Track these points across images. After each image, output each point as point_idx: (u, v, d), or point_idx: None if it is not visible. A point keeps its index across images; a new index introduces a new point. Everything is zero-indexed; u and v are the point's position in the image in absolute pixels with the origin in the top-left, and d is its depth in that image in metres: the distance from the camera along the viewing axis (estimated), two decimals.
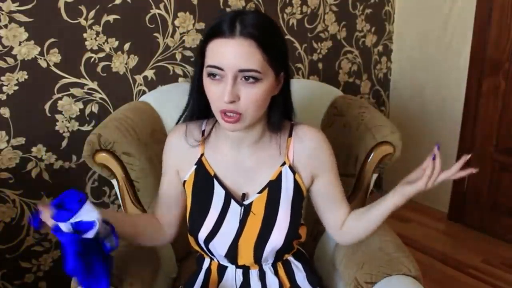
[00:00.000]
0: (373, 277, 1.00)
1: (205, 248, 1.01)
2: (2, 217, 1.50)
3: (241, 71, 0.83)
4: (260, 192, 0.99)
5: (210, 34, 0.86)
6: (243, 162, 0.99)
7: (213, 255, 1.03)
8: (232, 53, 0.83)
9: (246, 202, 0.99)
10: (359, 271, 1.03)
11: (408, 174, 0.98)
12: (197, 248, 1.05)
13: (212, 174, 1.00)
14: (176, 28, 1.69)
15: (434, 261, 2.07)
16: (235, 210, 0.98)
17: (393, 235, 1.14)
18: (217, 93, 0.86)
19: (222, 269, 1.05)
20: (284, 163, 0.99)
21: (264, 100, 0.88)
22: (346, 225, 1.05)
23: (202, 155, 1.01)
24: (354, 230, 1.05)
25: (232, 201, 0.99)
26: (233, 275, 1.04)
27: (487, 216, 2.26)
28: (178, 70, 1.74)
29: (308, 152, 0.99)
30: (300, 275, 1.07)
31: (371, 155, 1.25)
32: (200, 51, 0.90)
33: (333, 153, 1.02)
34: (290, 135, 1.00)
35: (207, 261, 1.08)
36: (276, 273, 1.04)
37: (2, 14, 1.35)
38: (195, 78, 0.94)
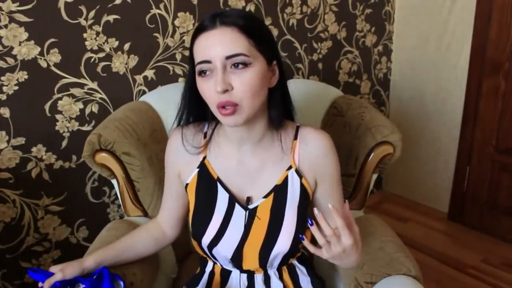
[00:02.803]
0: (373, 277, 1.00)
1: (208, 253, 0.99)
2: (2, 217, 1.50)
3: (228, 57, 0.81)
4: (266, 196, 0.95)
5: (194, 34, 0.86)
6: (246, 164, 0.96)
7: (216, 259, 1.01)
8: (216, 43, 0.82)
9: (251, 206, 0.96)
10: (359, 271, 1.03)
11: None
12: (200, 252, 1.03)
13: (216, 177, 0.97)
14: (176, 28, 1.69)
15: (434, 261, 2.07)
16: (239, 214, 0.96)
17: (394, 235, 1.15)
18: (210, 88, 0.83)
19: (225, 273, 1.03)
20: (290, 167, 0.96)
21: (258, 87, 0.84)
22: None
23: (204, 157, 0.99)
24: None
25: (237, 205, 0.96)
26: (237, 279, 1.02)
27: (487, 216, 2.26)
28: (178, 70, 1.74)
29: (314, 156, 0.96)
30: (305, 279, 1.05)
31: (371, 155, 1.25)
32: (190, 56, 0.89)
33: (338, 160, 0.98)
34: (295, 138, 0.97)
35: (210, 264, 1.06)
36: (280, 277, 1.02)
37: (2, 14, 1.35)
38: (188, 86, 0.92)
